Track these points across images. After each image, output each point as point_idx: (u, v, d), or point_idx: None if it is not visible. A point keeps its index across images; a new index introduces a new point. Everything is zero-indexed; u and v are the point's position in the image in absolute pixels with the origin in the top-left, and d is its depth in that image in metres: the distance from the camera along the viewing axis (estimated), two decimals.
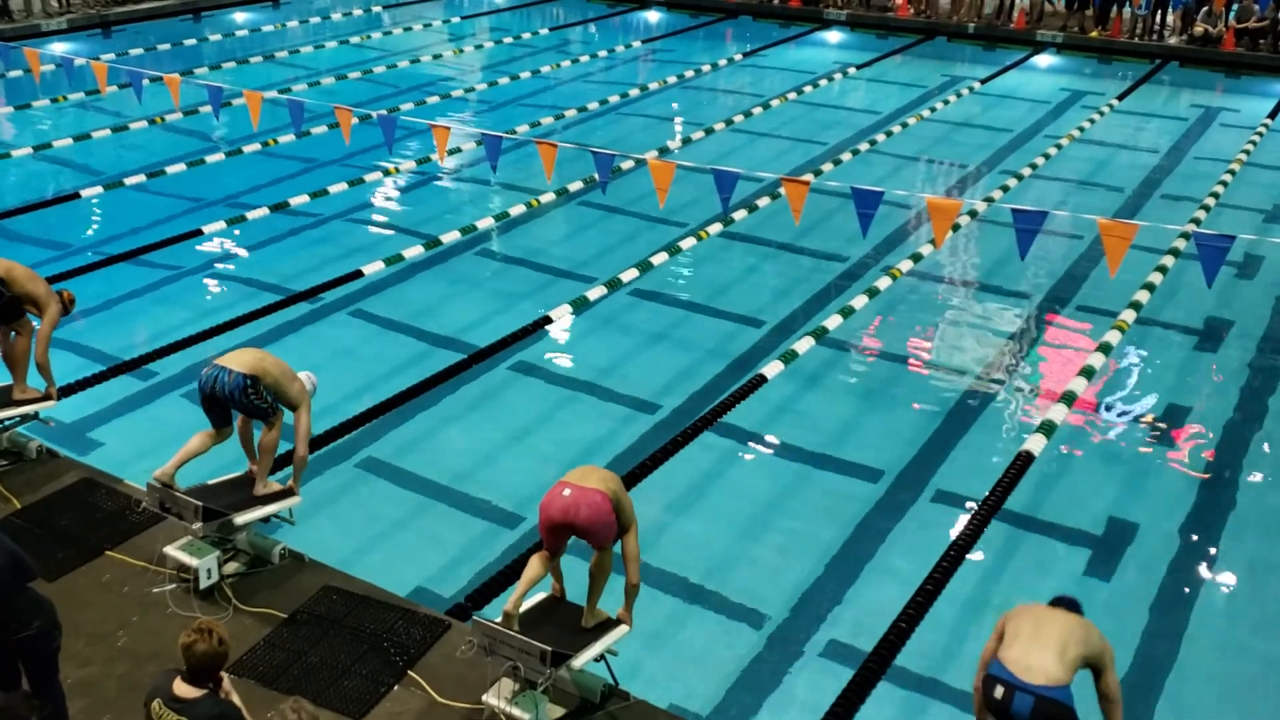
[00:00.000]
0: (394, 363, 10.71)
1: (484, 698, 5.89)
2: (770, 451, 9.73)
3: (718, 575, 8.05)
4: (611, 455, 9.28)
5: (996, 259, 13.77)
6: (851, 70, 22.53)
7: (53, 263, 12.19)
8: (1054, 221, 12.86)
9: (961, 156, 17.58)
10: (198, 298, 12.09)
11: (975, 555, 7.95)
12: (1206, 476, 9.43)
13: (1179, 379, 11.12)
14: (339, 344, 11.26)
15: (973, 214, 14.18)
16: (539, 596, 6.29)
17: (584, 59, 23.12)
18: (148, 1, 25.19)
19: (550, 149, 11.06)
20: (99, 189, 14.43)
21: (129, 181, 14.67)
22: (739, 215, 13.97)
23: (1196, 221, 13.73)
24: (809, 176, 13.02)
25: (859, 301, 11.66)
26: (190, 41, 23.20)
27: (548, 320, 11.30)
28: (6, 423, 8.14)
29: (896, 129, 18.32)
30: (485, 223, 13.98)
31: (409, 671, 6.28)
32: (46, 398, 8.25)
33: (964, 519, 8.34)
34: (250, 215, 13.54)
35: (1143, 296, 11.77)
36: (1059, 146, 17.17)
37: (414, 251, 12.80)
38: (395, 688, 6.18)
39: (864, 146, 17.24)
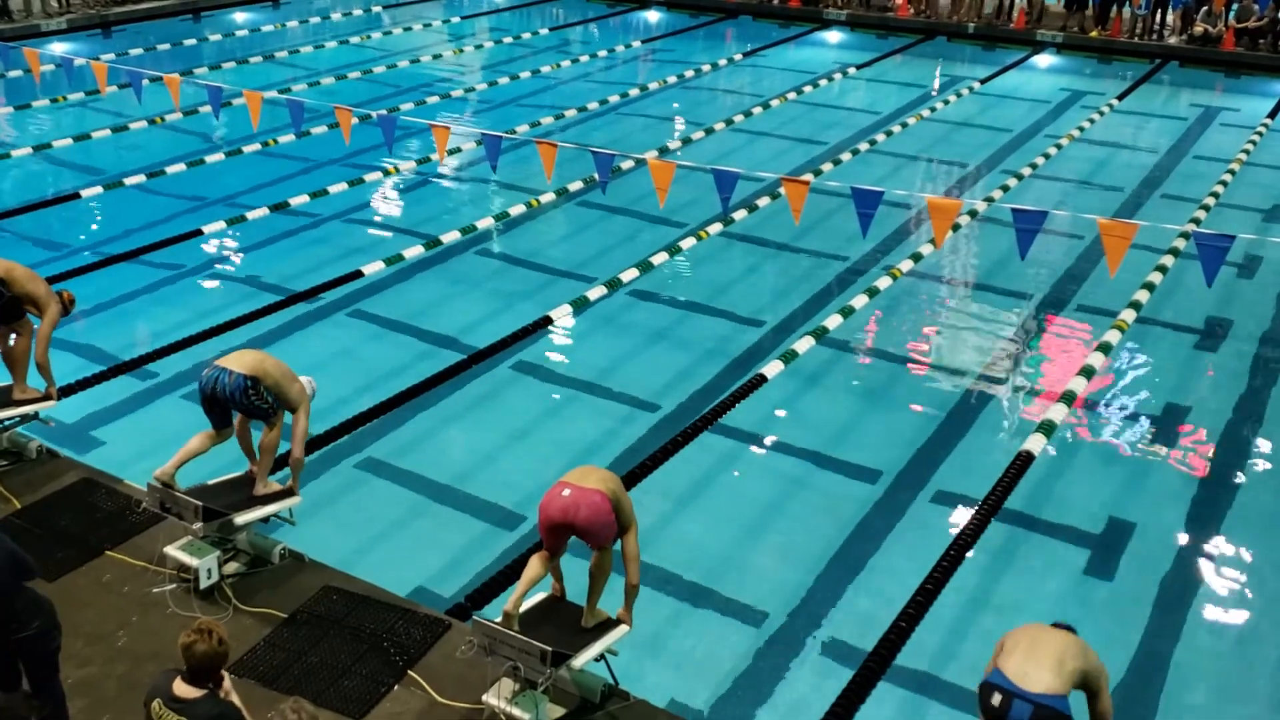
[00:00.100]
0: (394, 363, 10.71)
1: (484, 698, 5.89)
2: (770, 451, 9.73)
3: (718, 575, 8.05)
4: (611, 455, 9.28)
5: (996, 259, 13.77)
6: (851, 70, 22.54)
7: (53, 263, 12.19)
8: (1054, 221, 12.87)
9: (961, 156, 17.58)
10: (198, 298, 12.09)
11: (975, 555, 7.94)
12: (1206, 476, 9.43)
13: (1179, 379, 11.12)
14: (339, 344, 11.26)
15: (973, 214, 14.18)
16: (539, 596, 6.29)
17: (584, 59, 23.13)
18: (147, 1, 25.19)
19: (550, 149, 11.06)
20: (99, 189, 14.43)
21: (129, 182, 14.68)
22: (739, 215, 13.97)
23: (1196, 221, 13.73)
24: (809, 176, 13.02)
25: (859, 301, 11.66)
26: (190, 41, 23.20)
27: (548, 320, 11.30)
28: (6, 423, 8.14)
29: (896, 129, 18.32)
30: (485, 223, 13.98)
31: (409, 671, 6.28)
32: (46, 398, 8.25)
33: (964, 518, 8.34)
34: (250, 215, 13.55)
35: (1142, 296, 11.77)
36: (1059, 146, 17.18)
37: (414, 251, 12.80)
38: (395, 688, 6.18)
39: (864, 146, 17.25)
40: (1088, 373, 10.26)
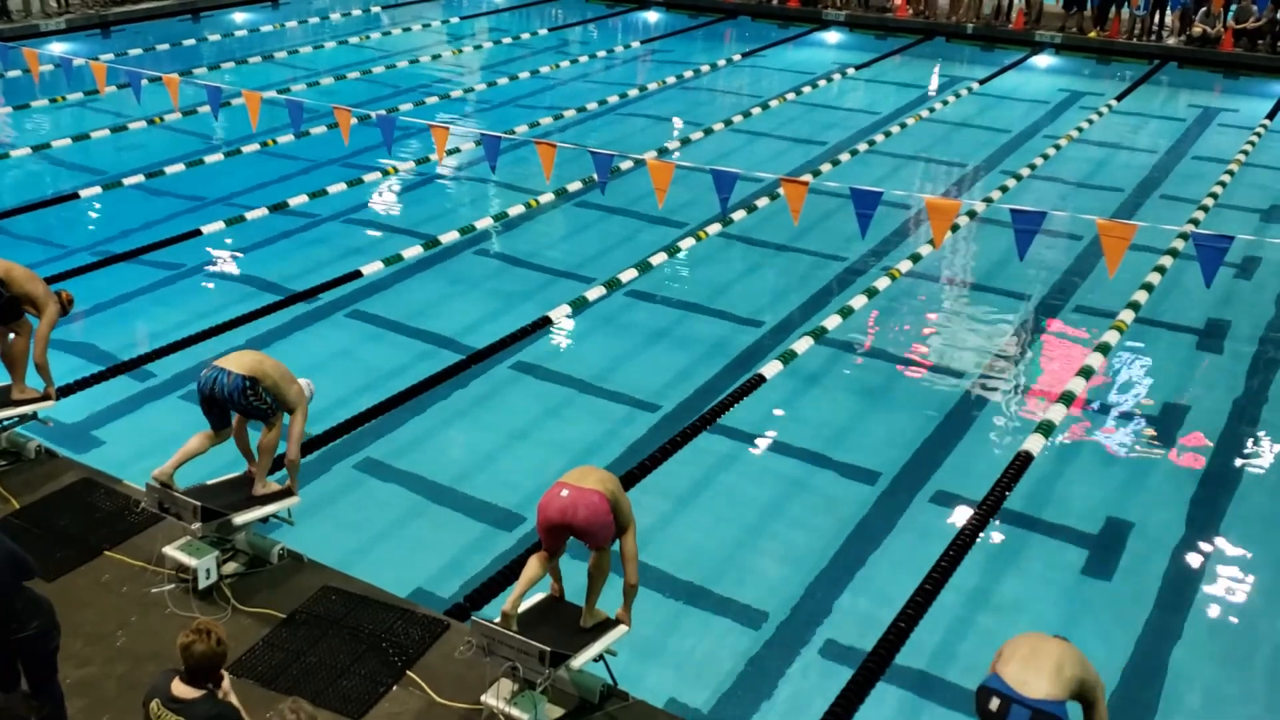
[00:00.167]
0: (393, 363, 10.71)
1: (483, 698, 5.89)
2: (769, 451, 9.73)
3: (716, 575, 8.05)
4: (611, 455, 9.28)
5: (995, 259, 13.78)
6: (850, 71, 22.55)
7: (52, 263, 12.18)
8: (1053, 222, 12.87)
9: (960, 157, 17.59)
10: (197, 298, 12.08)
11: (974, 555, 7.94)
12: (1204, 476, 9.43)
13: (1177, 379, 11.12)
14: (338, 344, 11.26)
15: (971, 214, 14.18)
16: (538, 597, 6.29)
17: (583, 59, 23.13)
18: (146, 1, 25.19)
19: (549, 149, 11.06)
20: (98, 189, 14.43)
21: (128, 182, 14.67)
22: (738, 215, 13.97)
23: (1195, 222, 13.74)
24: (808, 177, 13.04)
25: (858, 302, 11.67)
26: (189, 42, 23.19)
27: (547, 320, 11.31)
28: (5, 423, 8.13)
29: (895, 129, 18.33)
30: (484, 223, 13.98)
31: (408, 672, 6.28)
32: (45, 398, 8.24)
33: (963, 519, 8.34)
34: (249, 215, 13.54)
35: (1141, 297, 11.78)
36: (1058, 147, 17.18)
37: (413, 252, 12.80)
38: (394, 688, 6.18)
39: (863, 147, 17.25)
40: (1087, 373, 10.26)
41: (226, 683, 4.80)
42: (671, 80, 21.24)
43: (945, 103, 20.14)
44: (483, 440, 9.76)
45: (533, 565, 6.02)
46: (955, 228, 13.25)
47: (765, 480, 9.35)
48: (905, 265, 12.62)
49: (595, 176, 11.08)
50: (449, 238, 13.21)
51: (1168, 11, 24.12)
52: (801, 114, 19.65)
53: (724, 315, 12.07)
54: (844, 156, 16.68)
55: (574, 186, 15.10)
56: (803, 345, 10.70)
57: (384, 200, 15.51)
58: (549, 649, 5.66)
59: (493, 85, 20.80)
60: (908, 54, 24.32)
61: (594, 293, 11.89)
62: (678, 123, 19.09)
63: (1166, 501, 9.08)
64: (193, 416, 7.54)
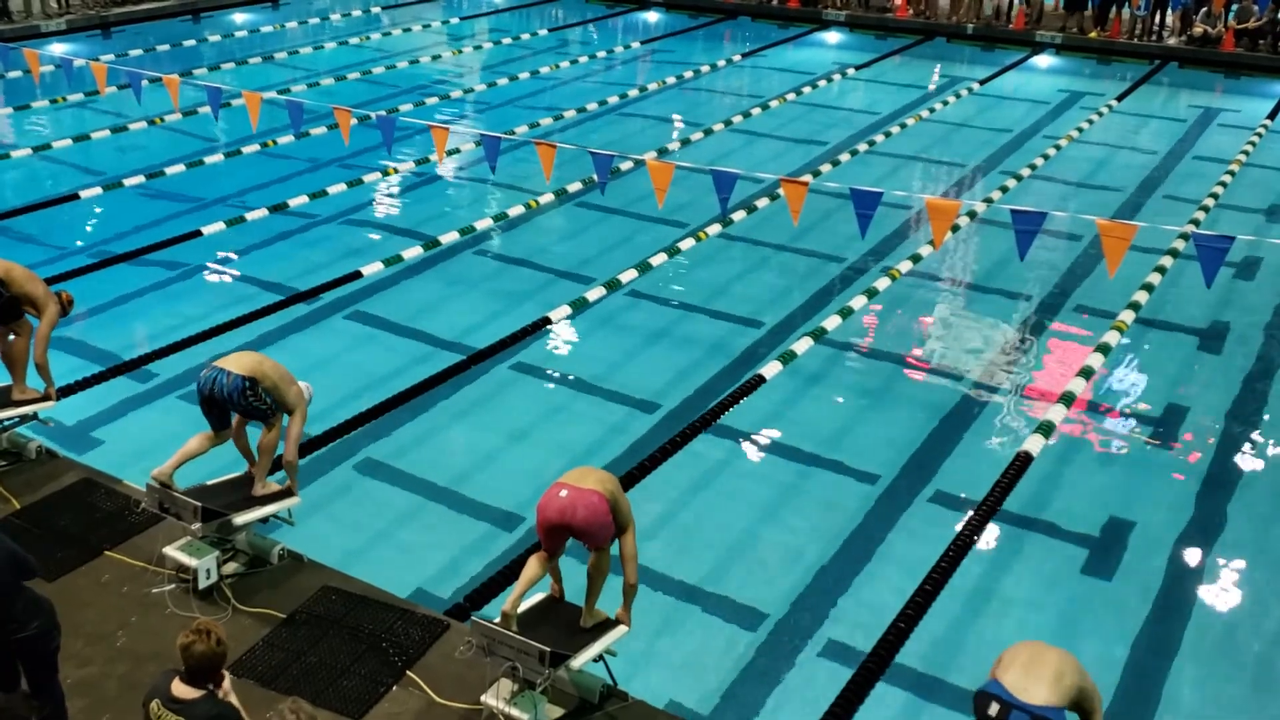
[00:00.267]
0: (393, 363, 10.72)
1: (483, 698, 5.89)
2: (769, 451, 9.74)
3: (716, 575, 8.05)
4: (610, 455, 9.28)
5: (995, 260, 13.78)
6: (850, 71, 22.55)
7: (52, 263, 12.19)
8: (1053, 222, 12.88)
9: (960, 157, 17.59)
10: (197, 298, 12.09)
11: (974, 555, 7.94)
12: (1205, 476, 9.43)
13: (1178, 379, 11.13)
14: (338, 345, 11.26)
15: (972, 215, 14.18)
16: (537, 597, 6.29)
17: (583, 60, 23.13)
18: (147, 2, 25.20)
19: (549, 150, 11.07)
20: (98, 190, 14.42)
21: (128, 182, 14.67)
22: (738, 216, 13.97)
23: (1195, 222, 13.74)
24: (808, 177, 13.03)
25: (858, 302, 11.67)
26: (189, 42, 23.19)
27: (547, 321, 11.31)
28: (6, 423, 8.14)
29: (895, 130, 18.33)
30: (484, 223, 13.99)
31: (408, 672, 6.28)
32: (46, 398, 8.25)
33: (963, 519, 8.34)
34: (249, 216, 13.55)
35: (1141, 297, 11.77)
36: (1058, 147, 17.18)
37: (413, 252, 12.81)
38: (394, 688, 6.18)
39: (863, 147, 17.25)
40: (1087, 373, 10.26)
41: (227, 683, 4.81)
42: (671, 80, 21.25)
43: (945, 103, 20.14)
44: (483, 441, 9.77)
45: (532, 565, 6.02)
46: (955, 228, 13.25)
47: (765, 480, 9.36)
48: (905, 266, 12.62)
49: (595, 177, 11.08)
50: (449, 238, 13.22)
51: (1168, 11, 24.12)
52: (801, 114, 19.65)
53: (724, 315, 12.07)
54: (844, 157, 16.68)
55: (574, 187, 15.10)
56: (803, 346, 10.70)
57: (384, 201, 15.52)
58: (549, 649, 5.67)
59: (493, 86, 20.80)
60: (908, 54, 24.32)
61: (594, 293, 11.89)
62: (678, 123, 19.10)
63: (1166, 501, 9.08)
64: (193, 417, 7.54)
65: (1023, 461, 8.81)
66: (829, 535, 8.51)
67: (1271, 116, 19.45)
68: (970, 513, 8.32)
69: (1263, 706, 7.09)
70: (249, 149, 16.05)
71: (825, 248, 13.86)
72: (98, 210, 14.50)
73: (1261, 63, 22.60)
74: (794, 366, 10.47)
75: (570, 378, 10.78)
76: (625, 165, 14.54)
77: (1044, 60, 23.89)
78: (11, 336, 8.16)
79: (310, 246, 13.58)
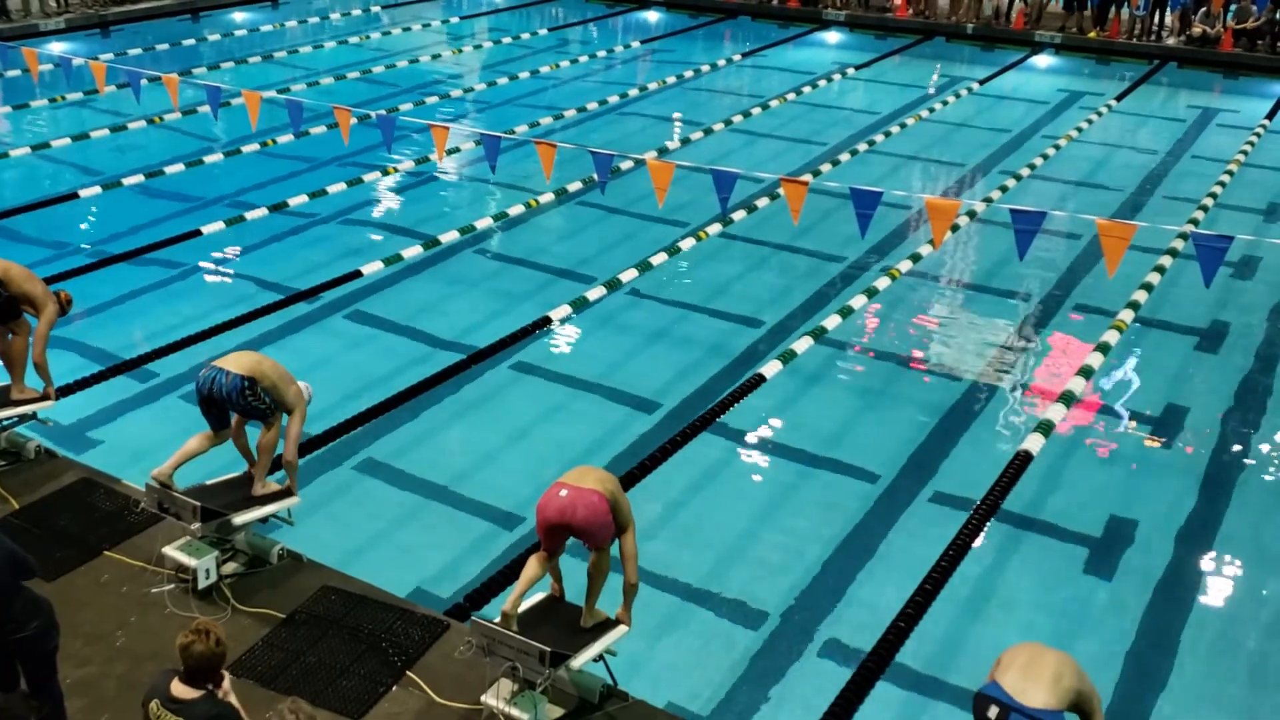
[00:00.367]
0: (392, 363, 10.71)
1: (483, 698, 5.89)
2: (769, 451, 9.73)
3: (716, 575, 8.05)
4: (610, 455, 9.28)
5: (995, 259, 13.78)
6: (850, 71, 22.54)
7: (51, 262, 12.19)
8: (1052, 222, 12.87)
9: (960, 157, 17.59)
10: (196, 298, 12.08)
11: (974, 555, 7.94)
12: (1204, 476, 9.43)
13: (1177, 379, 11.13)
14: (338, 344, 11.26)
15: (971, 214, 14.18)
16: (537, 597, 6.29)
17: (583, 59, 23.13)
18: (146, 1, 25.18)
19: (549, 149, 11.06)
20: (97, 189, 14.42)
21: (127, 181, 14.66)
22: (738, 215, 13.97)
23: (1195, 222, 13.74)
24: (808, 177, 13.04)
25: (858, 301, 11.67)
26: (189, 41, 23.18)
27: (547, 320, 11.30)
28: (5, 423, 8.13)
29: (895, 129, 18.33)
30: (484, 223, 13.98)
31: (407, 672, 6.28)
32: (45, 398, 8.24)
33: (962, 518, 8.33)
34: (249, 215, 13.54)
35: (1141, 296, 11.78)
36: (1057, 147, 17.18)
37: (413, 252, 12.80)
38: (394, 688, 6.18)
39: (863, 147, 17.25)
40: (1086, 373, 10.26)
41: (227, 683, 4.80)
42: (671, 80, 21.24)
43: (945, 103, 20.14)
44: (482, 440, 9.76)
45: (532, 565, 6.02)
46: (955, 228, 13.25)
47: (765, 480, 9.36)
48: (905, 265, 12.61)
49: (595, 176, 11.08)
50: (449, 238, 13.21)
51: (1167, 12, 24.12)
52: (801, 114, 19.64)
53: (724, 315, 12.07)
54: (844, 156, 16.68)
55: (574, 186, 15.10)
56: (802, 345, 10.70)
57: (384, 200, 15.51)
58: (549, 649, 5.66)
59: (493, 85, 20.79)
60: (908, 54, 24.32)
61: (594, 293, 11.89)
62: (678, 122, 19.09)
63: (1166, 501, 9.08)
64: (192, 416, 7.53)
65: (1022, 460, 8.81)
66: (829, 535, 8.50)
67: (1270, 116, 19.46)
68: (970, 512, 8.31)
69: (1262, 705, 7.09)
70: (248, 148, 16.04)
71: (825, 247, 13.85)
72: (97, 209, 14.49)
73: (1260, 63, 22.60)
74: (794, 366, 10.46)
75: (570, 377, 10.77)
76: (625, 165, 14.53)
77: (1043, 60, 23.89)
78: (10, 336, 8.15)
79: (310, 246, 13.57)
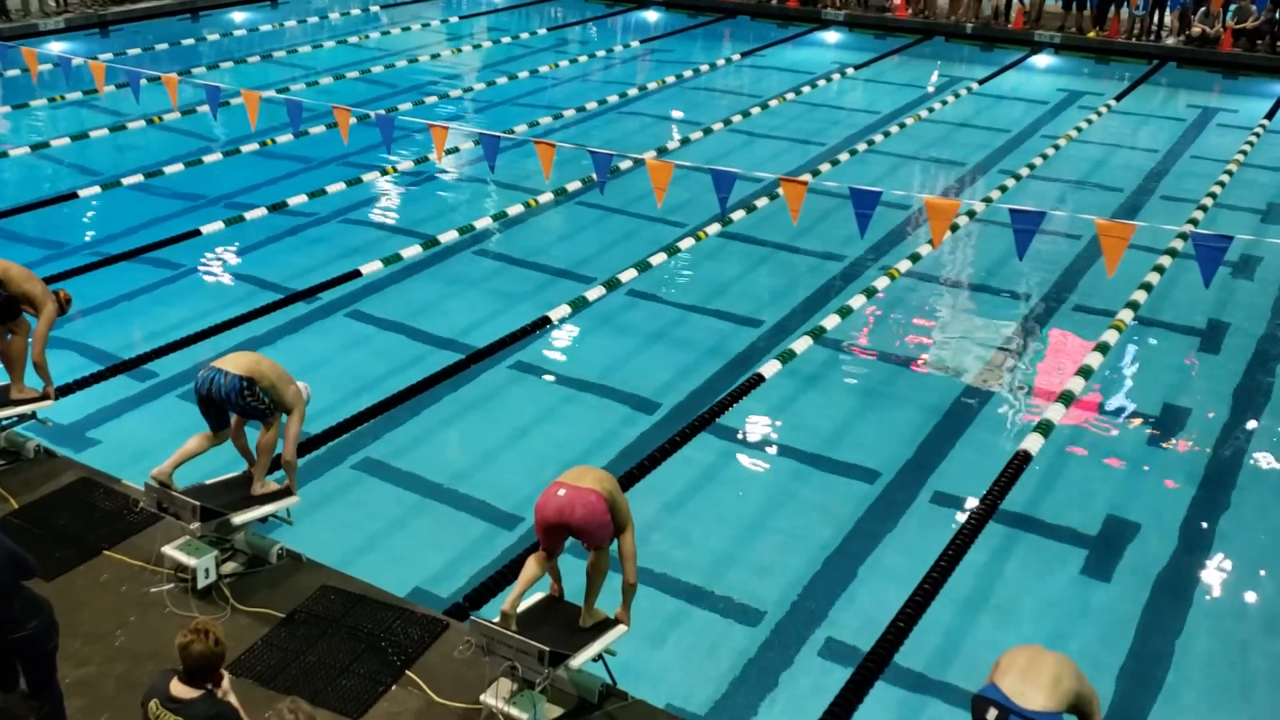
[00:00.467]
0: (392, 362, 10.71)
1: (482, 697, 5.89)
2: (768, 451, 9.74)
3: (716, 575, 8.05)
4: (610, 455, 9.28)
5: (994, 259, 13.78)
6: (850, 70, 22.55)
7: (50, 262, 12.18)
8: (1052, 222, 12.87)
9: (959, 157, 17.59)
10: (196, 297, 12.08)
11: (973, 555, 7.94)
12: (1204, 476, 9.43)
13: (1176, 379, 11.13)
14: (337, 344, 11.26)
15: (971, 214, 14.18)
16: (537, 596, 6.29)
17: (582, 59, 23.13)
18: (145, 1, 25.17)
19: (548, 149, 11.06)
20: (97, 189, 14.42)
21: (127, 181, 14.66)
22: (737, 215, 13.97)
23: (1194, 222, 13.74)
24: (807, 177, 13.04)
25: (857, 301, 11.67)
26: (188, 41, 23.18)
27: (546, 320, 11.30)
28: (4, 422, 8.13)
29: (894, 129, 18.33)
30: (483, 223, 13.98)
31: (407, 671, 6.28)
32: (44, 397, 8.24)
33: (962, 518, 8.35)
34: (248, 215, 13.53)
35: (1140, 296, 11.78)
36: (1057, 147, 17.19)
37: (412, 251, 12.80)
38: (393, 687, 6.18)
39: (862, 147, 17.25)
40: (1086, 373, 10.26)
41: (226, 682, 4.80)
42: (671, 80, 21.24)
43: (945, 103, 20.14)
44: (482, 440, 9.76)
45: (531, 565, 6.02)
46: (954, 228, 13.26)
47: (764, 479, 9.36)
48: (904, 265, 12.62)
49: (595, 176, 11.08)
50: (448, 237, 13.21)
51: (1167, 11, 24.12)
52: (801, 114, 19.64)
53: (723, 315, 12.07)
54: (843, 156, 16.68)
55: (573, 186, 15.10)
56: (802, 345, 10.70)
57: (383, 200, 15.50)
58: (548, 648, 5.67)
59: (492, 85, 20.79)
60: (907, 54, 24.32)
61: (593, 292, 11.89)
62: (677, 122, 19.09)
63: (1166, 501, 9.08)
64: (191, 416, 7.53)
65: (1021, 461, 8.81)
66: (828, 535, 8.51)
67: (1269, 116, 19.46)
68: (969, 512, 8.32)
69: (1263, 706, 7.09)
70: (248, 148, 16.03)
71: (824, 247, 13.86)
72: (96, 209, 14.49)
73: (1259, 63, 22.60)
74: (793, 366, 10.47)
75: (570, 377, 10.77)
76: (625, 164, 14.53)
77: (1043, 60, 23.89)
78: (9, 336, 8.15)
79: (309, 245, 13.57)
